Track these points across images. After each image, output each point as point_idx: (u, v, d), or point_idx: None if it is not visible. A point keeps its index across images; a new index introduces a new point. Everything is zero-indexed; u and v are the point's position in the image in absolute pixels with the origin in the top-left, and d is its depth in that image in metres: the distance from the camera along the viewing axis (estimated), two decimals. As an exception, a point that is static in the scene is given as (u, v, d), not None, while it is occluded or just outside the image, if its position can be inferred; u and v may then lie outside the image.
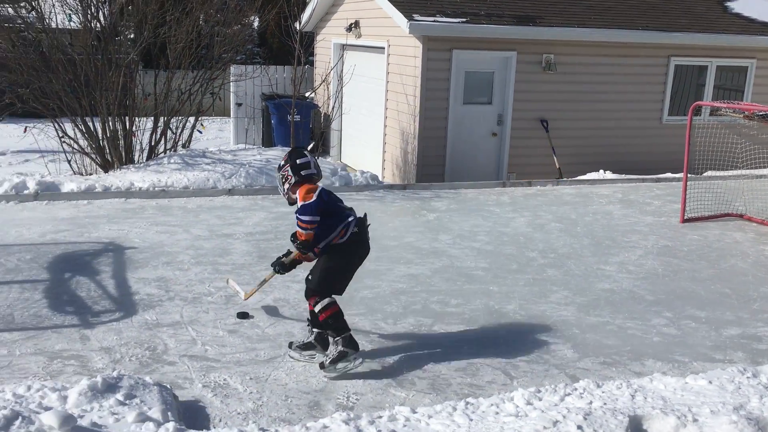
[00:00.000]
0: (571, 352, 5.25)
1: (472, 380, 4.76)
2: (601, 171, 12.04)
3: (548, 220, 8.98)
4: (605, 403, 4.03)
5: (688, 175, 9.31)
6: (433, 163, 11.53)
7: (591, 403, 4.04)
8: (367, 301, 6.03)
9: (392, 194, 10.12)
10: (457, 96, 11.54)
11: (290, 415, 4.22)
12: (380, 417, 3.87)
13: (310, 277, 4.79)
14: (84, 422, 3.53)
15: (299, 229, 4.64)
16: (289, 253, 4.97)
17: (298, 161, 4.74)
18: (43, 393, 3.84)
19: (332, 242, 4.75)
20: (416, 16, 10.81)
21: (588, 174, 12.02)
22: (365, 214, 4.92)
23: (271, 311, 5.74)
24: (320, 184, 4.79)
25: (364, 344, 5.18)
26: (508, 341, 5.37)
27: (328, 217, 4.68)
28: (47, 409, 3.63)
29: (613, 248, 7.88)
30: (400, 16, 10.86)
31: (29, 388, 3.90)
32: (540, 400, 4.07)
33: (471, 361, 5.02)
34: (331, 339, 4.76)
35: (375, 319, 5.66)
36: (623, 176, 11.83)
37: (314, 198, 4.58)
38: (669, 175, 12.12)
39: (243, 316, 5.60)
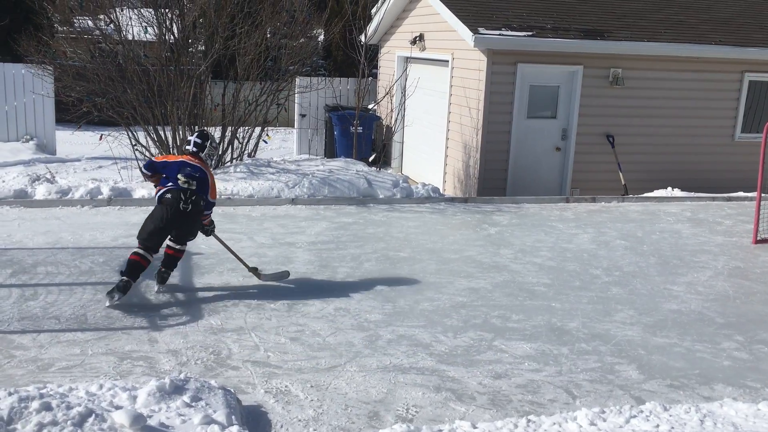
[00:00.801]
0: (637, 373, 5.12)
1: (533, 398, 4.70)
2: (669, 188, 11.73)
3: (613, 237, 8.80)
4: (673, 428, 3.92)
5: (762, 195, 8.98)
6: (495, 177, 11.46)
7: (658, 426, 3.93)
8: (427, 314, 6.03)
9: (453, 207, 10.10)
10: (521, 110, 11.45)
11: (350, 424, 4.25)
12: (440, 430, 3.86)
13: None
14: (152, 422, 3.63)
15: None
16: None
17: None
18: (114, 392, 3.97)
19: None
20: (482, 30, 10.80)
21: (655, 191, 11.74)
22: (186, 189, 5.93)
23: (331, 319, 5.80)
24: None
25: (423, 356, 5.19)
26: (571, 359, 5.28)
27: (164, 178, 6.09)
28: (118, 407, 3.75)
29: (681, 268, 7.66)
30: (465, 30, 10.87)
31: (101, 386, 4.04)
32: (604, 421, 3.99)
33: (532, 378, 4.96)
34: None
35: (435, 332, 5.65)
36: (692, 194, 11.51)
37: (154, 159, 6.46)
38: (741, 194, 11.72)
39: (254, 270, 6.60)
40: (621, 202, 10.96)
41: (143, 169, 6.33)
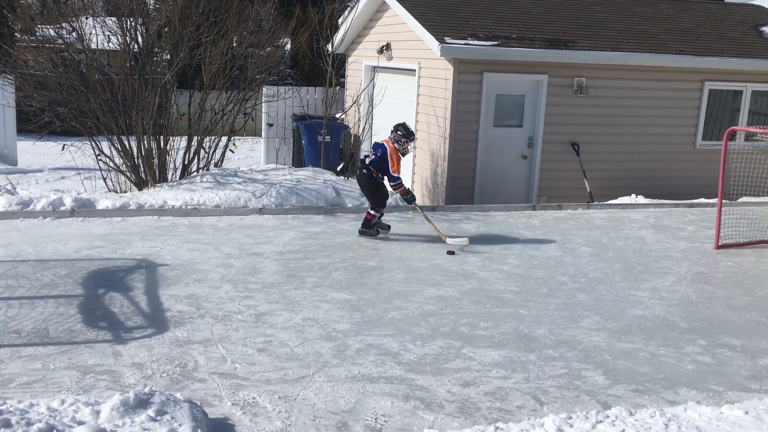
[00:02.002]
0: (603, 378, 5.18)
1: (502, 405, 4.71)
2: (633, 195, 11.92)
3: (579, 244, 8.91)
4: (638, 432, 3.97)
5: (723, 201, 9.17)
6: (462, 185, 11.53)
7: (624, 431, 3.97)
8: (396, 322, 6.03)
9: (421, 215, 10.11)
10: (488, 118, 11.55)
11: (318, 435, 4.22)
12: (409, 440, 3.84)
13: None
14: (116, 437, 3.57)
15: None
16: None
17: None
18: (77, 407, 3.89)
19: None
20: (448, 39, 10.88)
21: (620, 198, 11.92)
22: (360, 157, 7.89)
23: (299, 330, 5.76)
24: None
25: (392, 365, 5.18)
26: (538, 366, 5.32)
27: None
28: (80, 423, 3.67)
29: (646, 274, 7.78)
30: (431, 39, 10.94)
31: (63, 402, 3.95)
32: (571, 426, 4.02)
33: (500, 385, 4.98)
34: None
35: (403, 341, 5.65)
36: (656, 201, 11.70)
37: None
38: (703, 200, 11.96)
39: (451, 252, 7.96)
40: (586, 209, 11.10)
41: None
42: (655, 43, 12.30)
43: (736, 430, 4.04)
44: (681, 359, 5.58)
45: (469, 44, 10.97)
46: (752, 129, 9.69)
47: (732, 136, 11.76)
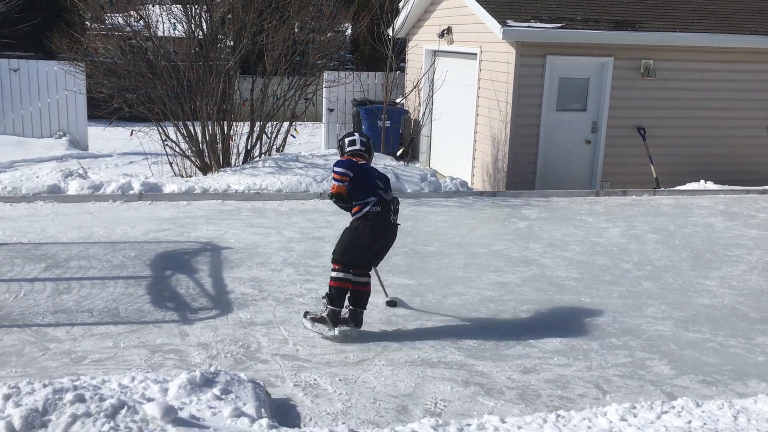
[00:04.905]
0: (668, 368, 5.05)
1: (563, 392, 4.66)
2: (702, 181, 11.54)
3: (644, 231, 8.68)
4: (705, 424, 3.86)
5: (798, 187, 8.79)
6: (523, 171, 11.37)
7: (690, 422, 3.88)
8: (455, 308, 6.01)
9: (481, 201, 10.05)
10: (550, 102, 11.34)
11: (378, 418, 4.26)
12: (469, 425, 3.85)
13: (335, 247, 5.33)
14: (183, 414, 3.68)
15: (333, 182, 5.21)
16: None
17: (346, 139, 5.42)
18: (146, 384, 4.03)
19: (355, 215, 5.24)
20: (510, 22, 10.70)
21: (687, 184, 11.55)
22: (394, 199, 5.30)
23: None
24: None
25: (452, 351, 5.17)
26: (601, 354, 5.23)
27: (359, 184, 5.17)
28: (150, 400, 3.80)
29: (714, 262, 7.53)
30: (493, 22, 10.78)
31: (133, 379, 4.10)
32: (635, 416, 3.94)
33: (561, 373, 4.92)
34: (323, 303, 5.30)
35: (463, 327, 5.64)
36: (726, 187, 11.30)
37: (347, 158, 5.23)
38: (776, 186, 11.50)
39: (392, 304, 5.97)
40: (652, 195, 10.81)
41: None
42: (727, 23, 11.81)
43: (810, 426, 3.89)
44: (751, 350, 5.39)
45: (531, 27, 10.77)
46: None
47: (809, 120, 11.25)
